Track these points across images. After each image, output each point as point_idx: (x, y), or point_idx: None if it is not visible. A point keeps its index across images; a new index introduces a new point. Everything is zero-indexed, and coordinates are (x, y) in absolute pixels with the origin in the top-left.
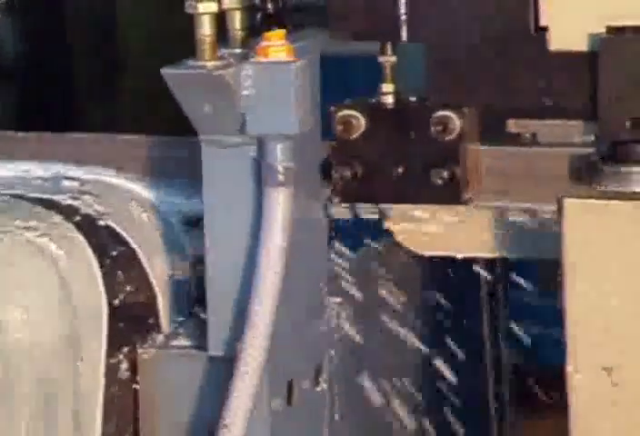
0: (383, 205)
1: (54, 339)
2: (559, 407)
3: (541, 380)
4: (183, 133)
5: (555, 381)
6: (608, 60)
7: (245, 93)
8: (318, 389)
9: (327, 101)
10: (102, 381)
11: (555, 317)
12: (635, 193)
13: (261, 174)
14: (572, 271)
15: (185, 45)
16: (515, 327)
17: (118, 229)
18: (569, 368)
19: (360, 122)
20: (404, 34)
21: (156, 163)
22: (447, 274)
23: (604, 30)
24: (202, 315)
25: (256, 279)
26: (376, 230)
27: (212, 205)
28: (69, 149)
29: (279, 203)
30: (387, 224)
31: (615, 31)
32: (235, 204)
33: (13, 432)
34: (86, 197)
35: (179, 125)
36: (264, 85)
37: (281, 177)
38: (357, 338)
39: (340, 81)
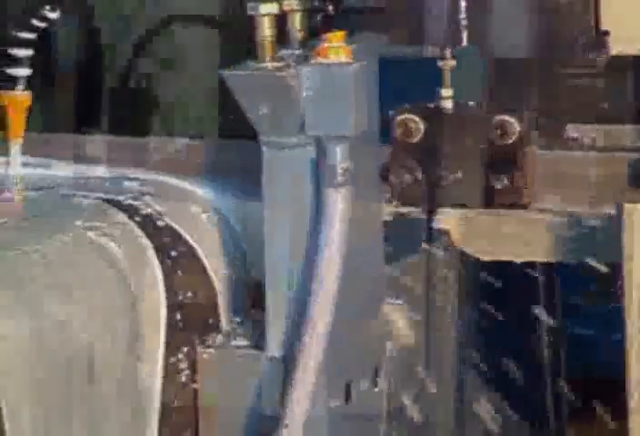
0: (442, 209)
1: (114, 338)
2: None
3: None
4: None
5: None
6: None
7: (304, 93)
8: (376, 389)
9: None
10: (160, 380)
11: (615, 322)
12: None
13: (320, 175)
14: (631, 275)
15: None
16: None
17: (178, 229)
18: (629, 374)
19: (419, 126)
20: (464, 38)
21: (216, 165)
22: (506, 280)
23: None
24: (260, 316)
25: (315, 279)
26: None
27: (271, 206)
28: (129, 152)
29: (339, 204)
30: (446, 228)
31: None
32: (295, 205)
33: (72, 431)
34: (147, 197)
35: None
36: (323, 86)
37: (341, 178)
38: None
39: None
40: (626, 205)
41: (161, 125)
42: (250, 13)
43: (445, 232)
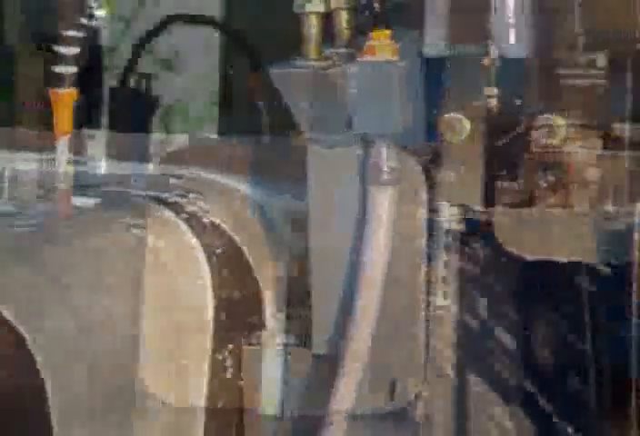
0: (486, 208)
1: (160, 336)
2: None
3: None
4: None
5: None
6: None
7: (350, 92)
8: (421, 388)
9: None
10: (207, 377)
11: None
12: None
13: (366, 173)
14: None
15: None
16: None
17: (224, 226)
18: None
19: (464, 124)
20: (512, 38)
21: (260, 162)
22: (548, 279)
23: None
24: (305, 313)
25: (360, 277)
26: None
27: (316, 203)
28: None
29: (384, 202)
30: (490, 228)
31: None
32: (340, 203)
33: (114, 427)
34: (192, 195)
35: None
36: (369, 84)
37: (386, 176)
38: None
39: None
40: None
41: (160, 125)
42: (297, 11)
43: (489, 232)
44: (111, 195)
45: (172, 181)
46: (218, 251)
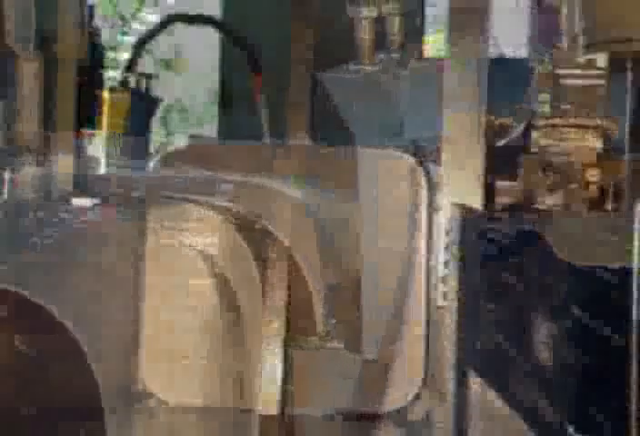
0: (535, 213)
1: (216, 339)
2: None
3: None
4: None
5: None
6: None
7: (402, 96)
8: (470, 391)
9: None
10: (261, 381)
11: None
12: None
13: (417, 177)
14: None
15: None
16: None
17: (274, 230)
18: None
19: (517, 129)
20: (564, 43)
21: (310, 167)
22: (597, 284)
23: None
24: (355, 318)
25: (413, 283)
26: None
27: (368, 207)
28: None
29: (436, 206)
30: (540, 232)
31: None
32: (392, 207)
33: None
34: (242, 199)
35: None
36: (421, 88)
37: (438, 180)
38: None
39: None
40: None
41: (160, 125)
42: (351, 16)
43: (539, 236)
44: (162, 199)
45: (222, 186)
46: (269, 255)
